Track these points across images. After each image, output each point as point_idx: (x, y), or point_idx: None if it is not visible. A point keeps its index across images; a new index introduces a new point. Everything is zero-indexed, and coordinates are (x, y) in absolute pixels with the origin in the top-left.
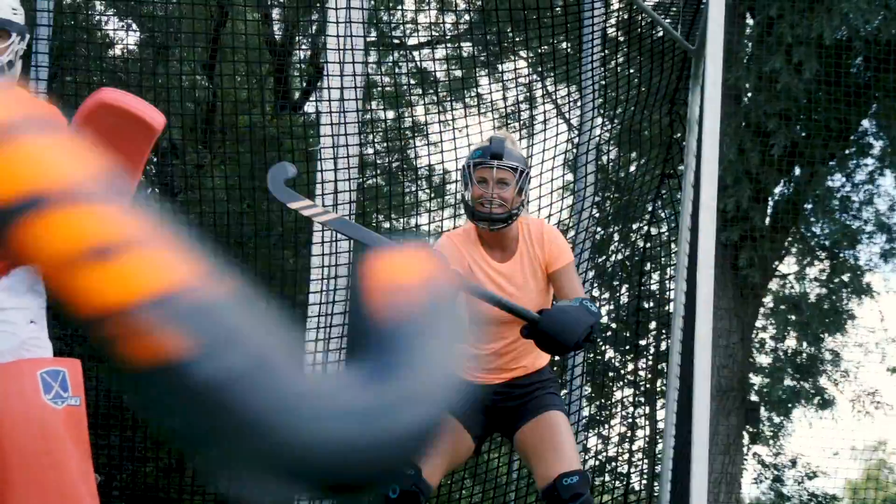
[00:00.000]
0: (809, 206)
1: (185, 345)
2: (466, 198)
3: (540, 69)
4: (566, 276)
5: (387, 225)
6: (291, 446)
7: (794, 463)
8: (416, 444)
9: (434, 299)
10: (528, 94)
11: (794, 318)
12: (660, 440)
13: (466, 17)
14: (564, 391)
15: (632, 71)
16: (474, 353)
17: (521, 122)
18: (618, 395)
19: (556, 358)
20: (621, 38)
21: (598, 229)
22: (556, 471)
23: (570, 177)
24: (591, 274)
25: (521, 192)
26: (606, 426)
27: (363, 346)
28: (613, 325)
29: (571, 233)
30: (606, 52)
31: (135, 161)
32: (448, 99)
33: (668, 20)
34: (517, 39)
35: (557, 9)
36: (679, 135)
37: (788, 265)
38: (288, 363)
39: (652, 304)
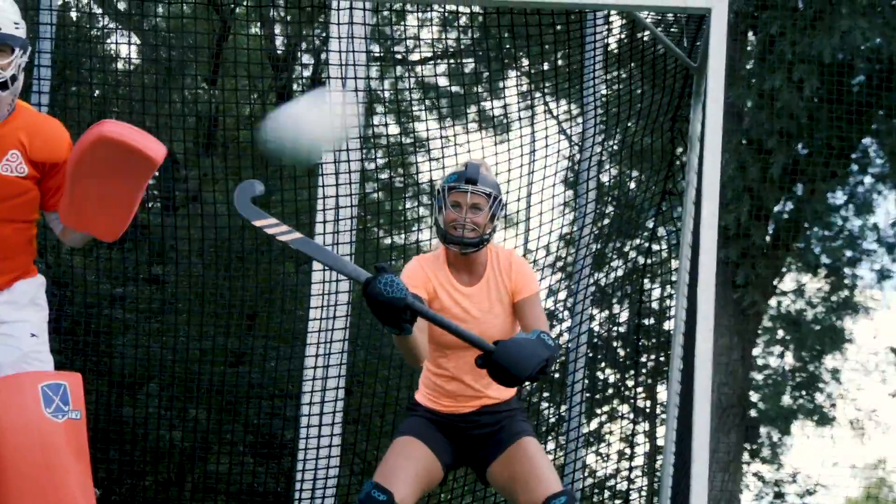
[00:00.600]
0: (809, 224)
1: None
2: (439, 221)
3: (541, 85)
4: (530, 306)
5: (387, 241)
6: None
7: (794, 478)
8: None
9: None
10: (529, 110)
11: (793, 335)
12: (659, 457)
13: (468, 32)
14: (564, 407)
15: (633, 88)
16: (441, 383)
17: (522, 137)
18: (617, 412)
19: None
20: (623, 55)
21: (599, 245)
22: (542, 495)
23: (570, 193)
24: (591, 290)
25: (493, 218)
26: (606, 443)
27: None
28: (613, 343)
29: (572, 248)
30: (608, 68)
31: (133, 191)
32: (450, 115)
33: (669, 37)
34: (519, 54)
35: (559, 25)
36: (680, 151)
37: (788, 283)
38: None
39: (652, 321)
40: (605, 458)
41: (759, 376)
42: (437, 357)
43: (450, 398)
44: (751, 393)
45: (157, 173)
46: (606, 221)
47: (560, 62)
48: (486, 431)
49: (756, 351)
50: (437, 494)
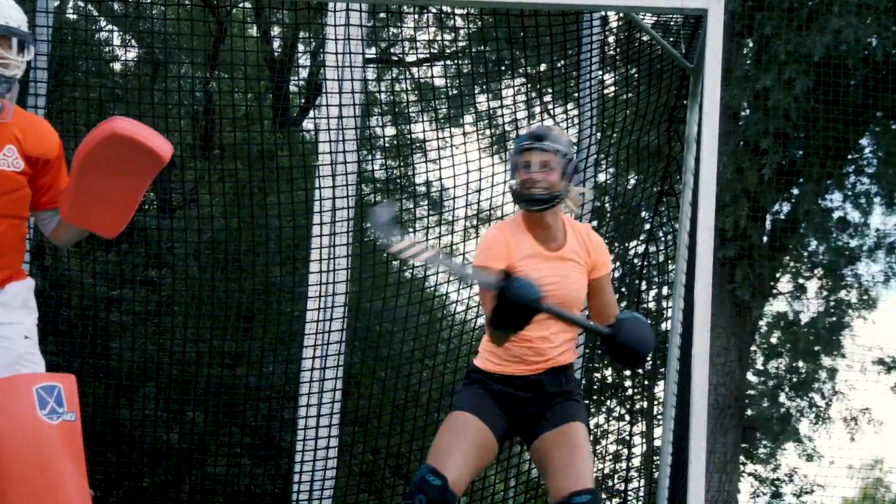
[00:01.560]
0: (806, 225)
1: None
2: (512, 185)
3: (538, 86)
4: (606, 284)
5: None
6: None
7: (790, 479)
8: None
9: None
10: (526, 111)
11: (790, 336)
12: (657, 458)
13: (465, 34)
14: None
15: (630, 89)
16: (508, 345)
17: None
18: (615, 412)
19: None
20: (620, 56)
21: None
22: (570, 487)
23: None
24: None
25: (564, 176)
26: (603, 443)
27: None
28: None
29: None
30: (605, 69)
31: (137, 188)
32: (447, 116)
33: (666, 38)
34: (516, 53)
35: (556, 27)
36: (677, 152)
37: (785, 283)
38: None
39: (649, 322)
40: (603, 459)
41: (755, 377)
42: None
43: (516, 360)
44: (748, 393)
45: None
46: (604, 222)
47: (557, 63)
48: (541, 408)
49: (753, 351)
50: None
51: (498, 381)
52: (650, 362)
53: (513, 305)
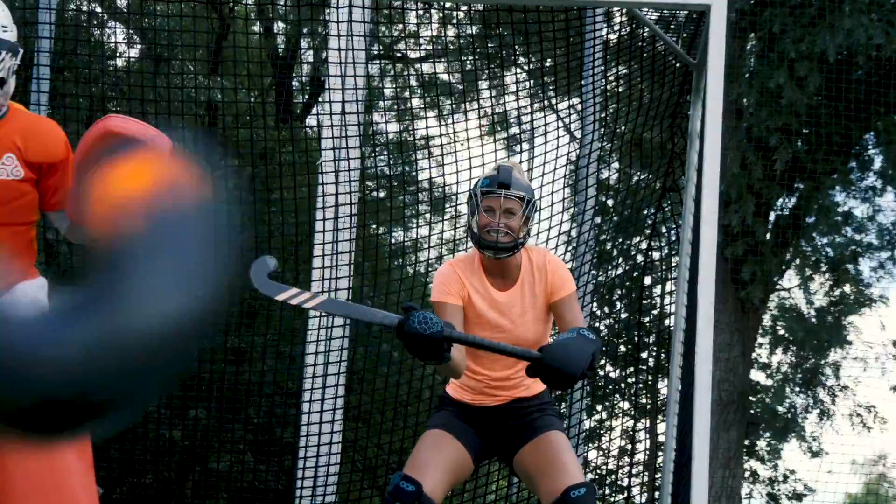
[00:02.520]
0: (811, 220)
1: None
2: (472, 226)
3: (541, 82)
4: (568, 306)
5: (386, 237)
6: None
7: (793, 473)
8: (138, 356)
9: (170, 210)
10: (529, 105)
11: (795, 331)
12: (660, 454)
13: (468, 29)
14: (565, 404)
15: (633, 85)
16: (471, 379)
17: (522, 133)
18: (618, 408)
19: None
20: (623, 52)
21: (600, 242)
22: (563, 485)
23: (570, 189)
24: (590, 287)
25: (527, 221)
26: (607, 439)
27: (85, 271)
28: (614, 339)
29: (572, 245)
30: (608, 65)
31: None
32: (450, 112)
33: (669, 34)
34: (519, 51)
35: (559, 22)
36: (681, 147)
37: (790, 279)
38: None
39: (652, 318)
40: (607, 454)
41: (759, 373)
42: (472, 353)
43: (480, 392)
44: (752, 389)
45: None
46: (607, 218)
47: (560, 59)
48: (515, 423)
49: (757, 348)
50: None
51: (468, 408)
52: (589, 378)
53: (415, 342)
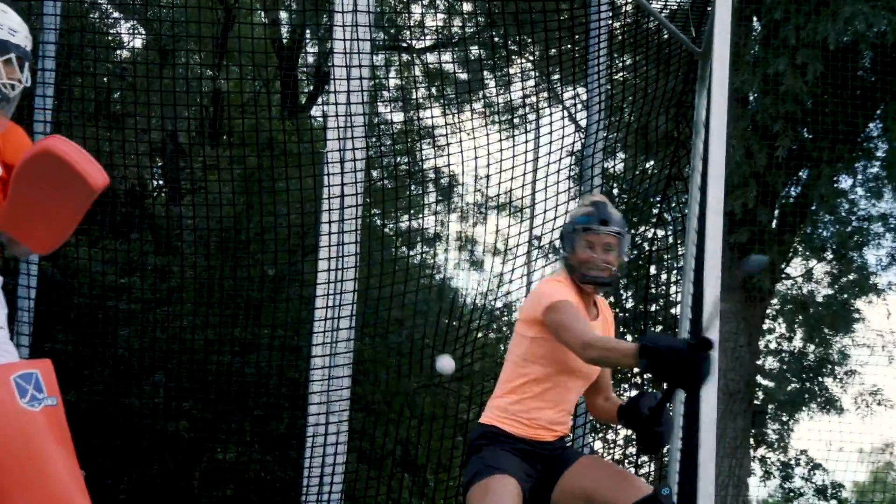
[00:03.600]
0: (816, 208)
1: None
2: (571, 261)
3: (546, 72)
4: None
5: (391, 226)
6: None
7: (800, 463)
8: None
9: None
10: (535, 96)
11: (800, 319)
12: None
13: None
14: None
15: (639, 74)
16: (535, 409)
17: (527, 123)
18: (624, 397)
19: None
20: (628, 41)
21: None
22: (646, 487)
23: (576, 178)
24: None
25: (622, 254)
26: (613, 429)
27: None
28: (621, 328)
29: None
30: (613, 54)
31: (70, 212)
32: (455, 101)
33: (674, 23)
34: (526, 39)
35: (564, 13)
36: (686, 136)
37: (795, 267)
38: None
39: (658, 307)
40: (613, 445)
41: (765, 361)
42: (544, 384)
43: (540, 426)
44: (758, 377)
45: (160, 162)
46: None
47: (566, 48)
48: (545, 461)
49: (762, 336)
50: None
51: (520, 441)
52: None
53: (698, 377)
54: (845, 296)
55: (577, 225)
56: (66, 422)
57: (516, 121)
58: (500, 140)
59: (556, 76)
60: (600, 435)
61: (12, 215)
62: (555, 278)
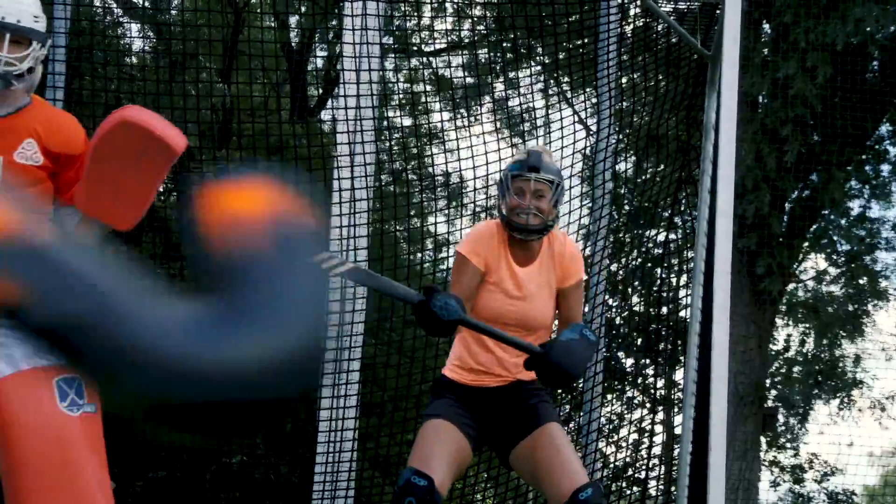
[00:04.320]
0: (826, 212)
1: (18, 291)
2: (502, 208)
3: (556, 75)
4: (575, 293)
5: (401, 228)
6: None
7: (811, 466)
8: (289, 372)
9: (285, 232)
10: (545, 99)
11: (810, 323)
12: (676, 446)
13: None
14: (587, 398)
15: (648, 77)
16: (474, 354)
17: (538, 127)
18: (635, 401)
19: None
20: (637, 44)
21: (615, 234)
22: (569, 487)
23: (586, 182)
24: (605, 278)
25: (556, 204)
26: (623, 432)
27: (209, 283)
28: (630, 331)
29: (590, 239)
30: (623, 58)
31: (150, 179)
32: (464, 105)
33: (684, 26)
34: (534, 44)
35: (574, 16)
36: (696, 140)
37: (806, 271)
38: (134, 306)
39: (668, 310)
40: (623, 447)
41: (775, 365)
42: (483, 336)
43: (479, 372)
44: (768, 381)
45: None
46: (623, 210)
47: (574, 52)
48: (510, 408)
49: (773, 339)
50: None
51: (465, 390)
52: (583, 380)
53: (432, 324)
54: (856, 299)
55: (509, 172)
56: (102, 431)
57: (526, 125)
58: (511, 145)
59: (566, 79)
60: (611, 438)
61: (93, 196)
62: (486, 223)
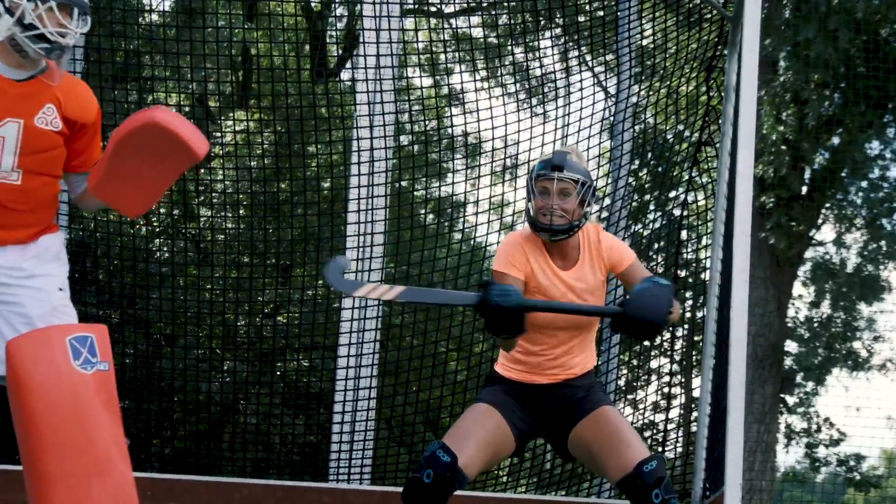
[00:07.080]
0: (847, 175)
1: None
2: (529, 209)
3: (576, 36)
4: (635, 272)
5: (421, 191)
6: None
7: (828, 429)
8: None
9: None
10: (564, 62)
11: (830, 285)
12: (695, 409)
13: None
14: (602, 360)
15: (669, 38)
16: (522, 356)
17: (557, 90)
18: (654, 363)
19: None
20: (658, 5)
21: (635, 196)
22: (633, 459)
23: (607, 144)
24: (627, 242)
25: (583, 203)
26: (642, 394)
27: None
28: None
29: (608, 200)
30: (643, 19)
31: (167, 178)
32: (483, 66)
33: None
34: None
35: None
36: (716, 101)
37: (825, 233)
38: None
39: (688, 273)
40: (642, 410)
41: (794, 327)
42: (528, 334)
43: (530, 370)
44: (786, 343)
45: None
46: (643, 172)
47: (595, 13)
48: (564, 403)
49: (792, 302)
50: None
51: (518, 386)
52: (672, 327)
53: (497, 315)
54: (874, 262)
55: (534, 173)
56: (115, 388)
57: (546, 87)
58: (531, 107)
59: (586, 41)
60: (630, 399)
61: (109, 183)
62: (513, 234)
